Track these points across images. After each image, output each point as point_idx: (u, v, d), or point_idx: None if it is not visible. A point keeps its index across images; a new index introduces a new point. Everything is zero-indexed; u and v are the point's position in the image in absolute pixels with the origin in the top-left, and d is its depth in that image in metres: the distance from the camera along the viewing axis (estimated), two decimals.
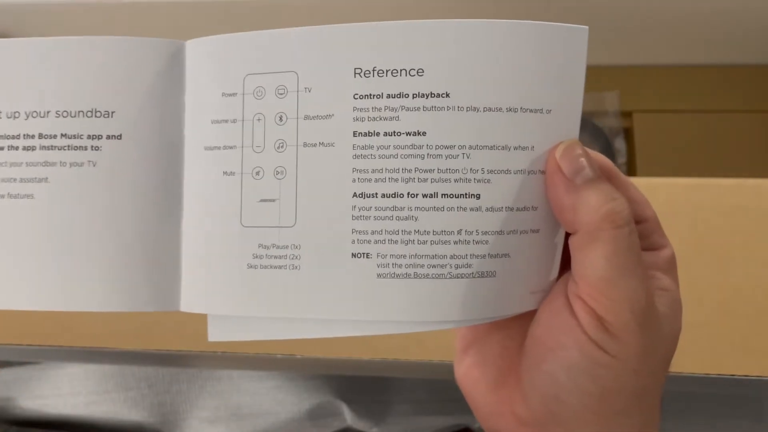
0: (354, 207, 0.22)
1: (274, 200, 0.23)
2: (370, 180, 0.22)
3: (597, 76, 0.78)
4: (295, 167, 0.22)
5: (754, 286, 0.43)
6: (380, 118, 0.22)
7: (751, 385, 0.42)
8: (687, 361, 0.43)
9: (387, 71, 0.21)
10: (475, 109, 0.21)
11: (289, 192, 0.22)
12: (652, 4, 0.69)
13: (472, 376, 0.26)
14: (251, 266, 0.23)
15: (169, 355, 0.46)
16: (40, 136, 0.24)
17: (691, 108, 0.76)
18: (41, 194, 0.24)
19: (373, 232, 0.22)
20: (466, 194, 0.22)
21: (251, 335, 0.24)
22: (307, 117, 0.22)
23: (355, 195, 0.22)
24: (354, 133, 0.22)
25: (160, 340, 0.46)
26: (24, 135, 0.24)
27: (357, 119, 0.22)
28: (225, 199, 0.23)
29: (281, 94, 0.22)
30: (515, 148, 0.22)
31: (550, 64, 0.22)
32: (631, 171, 0.76)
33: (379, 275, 0.22)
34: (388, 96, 0.22)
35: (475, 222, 0.22)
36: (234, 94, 0.23)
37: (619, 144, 0.76)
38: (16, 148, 0.24)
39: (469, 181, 0.22)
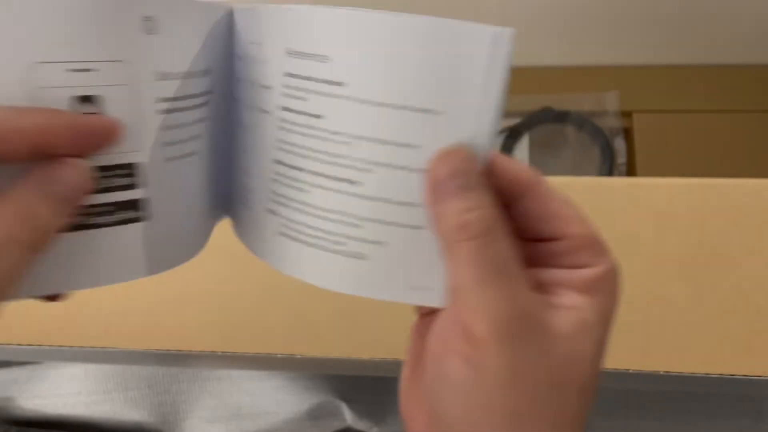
0: (272, 171, 0.24)
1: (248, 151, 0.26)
2: (284, 150, 0.24)
3: (597, 76, 0.78)
4: (257, 126, 0.25)
5: (754, 286, 0.43)
6: (295, 97, 0.23)
7: (751, 385, 0.42)
8: (687, 361, 0.43)
9: (304, 54, 0.23)
10: (369, 102, 0.22)
11: (255, 145, 0.25)
12: (651, 3, 0.69)
13: (404, 377, 0.26)
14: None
15: (169, 355, 0.46)
16: (191, 96, 0.24)
17: (691, 108, 0.76)
18: (202, 149, 0.25)
19: (279, 195, 0.24)
20: (348, 180, 0.23)
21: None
22: (262, 86, 0.24)
23: (274, 161, 0.24)
24: (280, 107, 0.24)
25: (160, 340, 0.46)
26: (183, 96, 0.24)
27: (283, 95, 0.24)
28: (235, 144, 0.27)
29: (262, 62, 0.25)
30: (401, 145, 0.22)
31: (455, 65, 0.21)
32: (631, 171, 0.76)
33: (279, 233, 0.25)
34: (302, 78, 0.23)
35: (353, 206, 0.23)
36: (243, 58, 0.25)
37: (619, 144, 0.76)
38: (181, 110, 0.24)
39: (352, 168, 0.23)
